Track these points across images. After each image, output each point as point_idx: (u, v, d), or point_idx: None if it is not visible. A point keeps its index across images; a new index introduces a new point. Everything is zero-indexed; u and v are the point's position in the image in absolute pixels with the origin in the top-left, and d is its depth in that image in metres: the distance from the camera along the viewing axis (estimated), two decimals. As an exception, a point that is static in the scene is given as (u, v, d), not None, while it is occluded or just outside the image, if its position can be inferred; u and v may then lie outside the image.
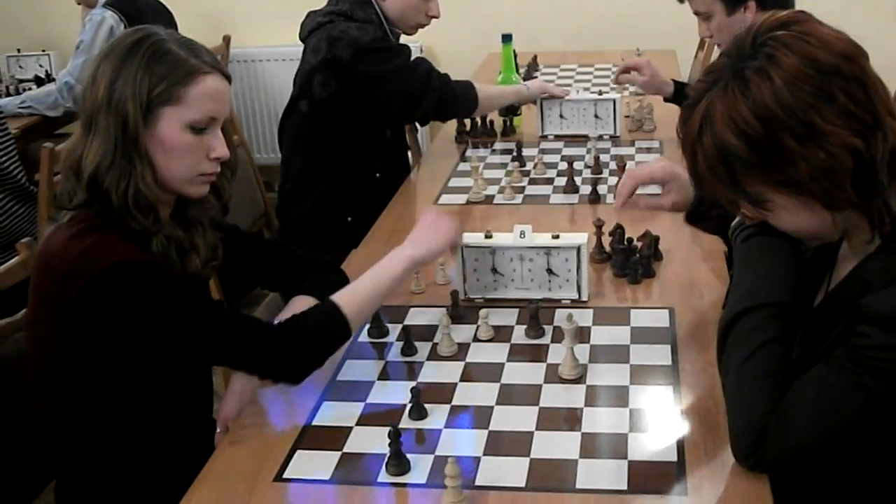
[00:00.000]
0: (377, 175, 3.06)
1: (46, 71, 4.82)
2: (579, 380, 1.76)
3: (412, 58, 2.96)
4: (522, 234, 2.03)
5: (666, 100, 3.17)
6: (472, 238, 2.07)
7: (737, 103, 1.37)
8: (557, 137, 3.21)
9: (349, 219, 2.99)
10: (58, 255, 1.65)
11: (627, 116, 3.33)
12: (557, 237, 2.02)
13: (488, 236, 2.05)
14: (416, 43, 4.98)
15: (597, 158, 2.88)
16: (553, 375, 1.79)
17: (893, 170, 1.39)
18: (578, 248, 2.01)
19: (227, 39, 5.09)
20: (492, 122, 3.34)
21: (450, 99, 2.99)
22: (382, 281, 1.85)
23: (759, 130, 1.36)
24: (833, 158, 1.34)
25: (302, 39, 2.98)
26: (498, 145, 3.24)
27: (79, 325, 1.66)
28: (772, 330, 1.49)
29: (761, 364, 1.47)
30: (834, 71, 1.35)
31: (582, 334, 1.91)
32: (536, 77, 4.14)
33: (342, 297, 1.79)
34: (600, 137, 3.17)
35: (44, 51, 4.98)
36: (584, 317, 1.99)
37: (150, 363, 1.73)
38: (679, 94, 3.09)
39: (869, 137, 1.35)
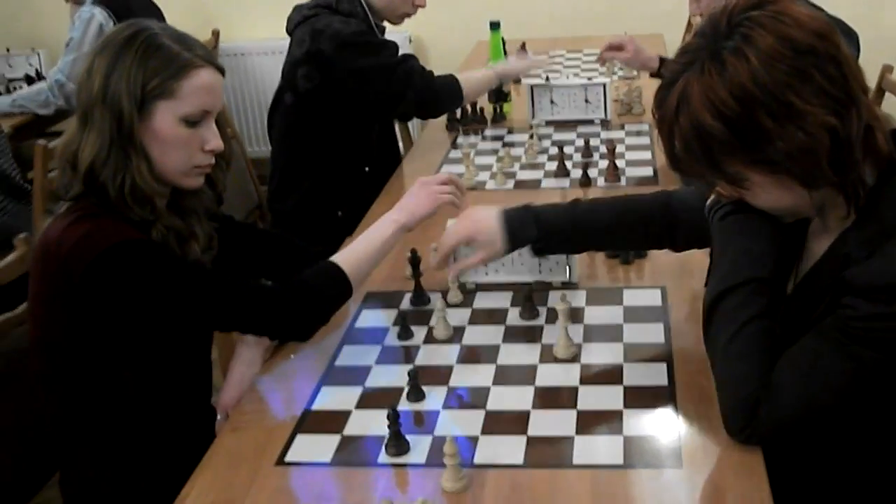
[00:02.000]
0: (366, 169, 3.06)
1: (36, 69, 4.82)
2: (574, 359, 1.79)
3: (397, 53, 2.95)
4: (511, 218, 2.04)
5: (652, 75, 3.21)
6: None
7: (713, 84, 1.38)
8: (548, 123, 3.23)
9: (339, 213, 3.00)
10: (57, 242, 1.68)
11: (617, 100, 3.35)
12: None
13: (477, 221, 2.07)
14: (404, 33, 5.00)
15: (587, 142, 2.90)
16: (548, 356, 1.81)
17: (867, 146, 1.41)
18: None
19: (216, 34, 5.10)
20: (482, 109, 3.36)
21: (431, 97, 2.99)
22: (374, 243, 1.95)
23: (736, 110, 1.37)
24: (810, 137, 1.36)
25: (289, 32, 2.99)
26: (488, 132, 3.26)
27: (84, 308, 1.69)
28: (756, 305, 1.51)
29: (748, 340, 1.49)
30: (809, 50, 1.36)
31: (575, 315, 1.93)
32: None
33: (341, 258, 1.88)
34: (591, 122, 3.19)
35: (33, 49, 4.98)
36: (577, 298, 2.01)
37: (155, 344, 1.77)
38: (662, 72, 3.12)
39: (844, 116, 1.37)
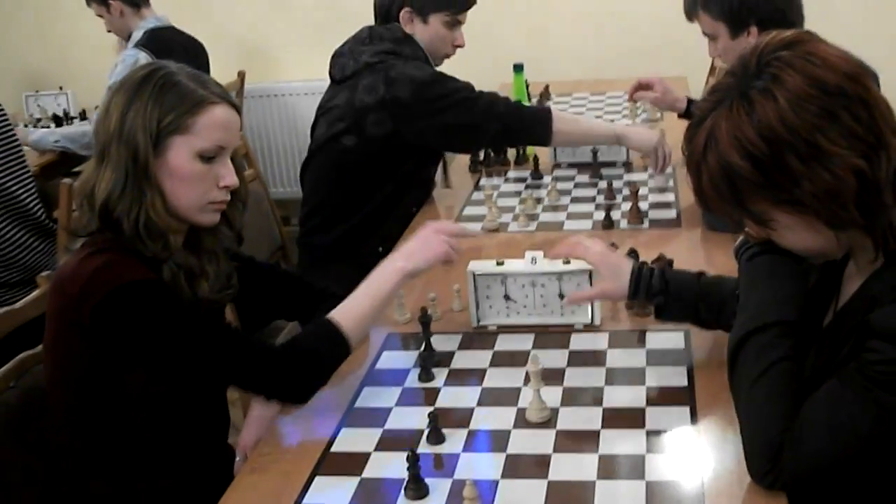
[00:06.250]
0: (413, 210, 3.04)
1: (64, 109, 4.86)
2: (549, 423, 1.72)
3: (473, 89, 2.94)
4: (534, 260, 2.04)
5: (679, 116, 3.23)
6: (484, 265, 2.08)
7: (742, 123, 1.39)
8: (570, 165, 3.23)
9: (380, 249, 2.98)
10: (70, 278, 1.69)
11: (641, 143, 3.34)
12: (568, 262, 2.03)
13: (500, 263, 2.06)
14: (429, 75, 5.02)
15: (610, 184, 2.90)
16: (570, 399, 1.80)
17: None
18: (590, 273, 2.02)
19: (241, 75, 5.13)
20: (505, 151, 3.36)
21: (516, 127, 2.94)
22: (377, 294, 1.88)
23: (763, 151, 1.37)
24: (837, 179, 1.35)
25: (337, 79, 2.98)
26: (511, 174, 3.26)
27: (94, 346, 1.69)
28: (781, 348, 1.50)
29: (773, 383, 1.48)
30: (838, 91, 1.36)
31: (597, 358, 1.92)
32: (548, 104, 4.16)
33: (340, 314, 1.83)
34: (613, 164, 3.19)
35: (61, 88, 5.03)
36: (598, 340, 2.00)
37: (164, 385, 1.76)
38: (692, 110, 3.13)
39: (873, 158, 1.36)
